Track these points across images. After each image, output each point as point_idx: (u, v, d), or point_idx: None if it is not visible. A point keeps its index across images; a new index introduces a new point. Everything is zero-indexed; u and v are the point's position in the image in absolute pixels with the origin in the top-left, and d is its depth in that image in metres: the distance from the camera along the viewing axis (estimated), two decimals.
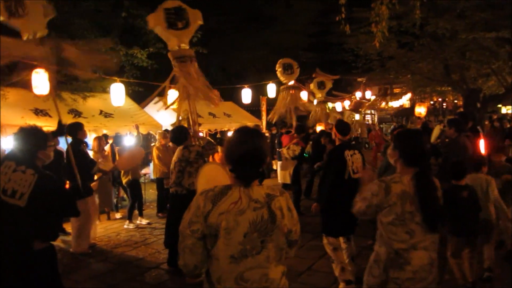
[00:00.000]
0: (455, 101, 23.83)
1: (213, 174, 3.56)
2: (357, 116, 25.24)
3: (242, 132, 1.76)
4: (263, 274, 1.61)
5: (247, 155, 1.65)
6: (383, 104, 21.83)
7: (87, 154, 5.14)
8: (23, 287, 2.54)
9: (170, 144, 6.34)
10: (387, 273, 2.07)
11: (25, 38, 4.21)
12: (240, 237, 1.58)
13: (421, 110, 11.06)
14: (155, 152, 6.50)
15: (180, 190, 4.27)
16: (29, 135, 2.69)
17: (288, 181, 7.08)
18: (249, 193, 1.63)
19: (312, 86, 10.28)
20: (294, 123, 8.25)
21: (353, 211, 2.35)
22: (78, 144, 4.96)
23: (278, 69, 8.39)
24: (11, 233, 2.51)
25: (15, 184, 2.49)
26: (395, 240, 2.06)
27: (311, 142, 7.72)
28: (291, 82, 8.59)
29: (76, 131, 4.96)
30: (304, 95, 12.16)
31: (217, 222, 1.58)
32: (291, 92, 8.45)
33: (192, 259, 1.63)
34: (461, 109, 18.34)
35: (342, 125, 3.99)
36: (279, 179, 7.49)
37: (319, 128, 9.25)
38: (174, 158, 4.36)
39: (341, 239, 3.83)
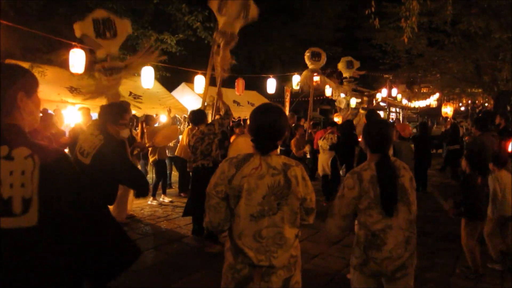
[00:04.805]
0: (486, 104, 23.24)
1: (243, 145, 4.35)
2: (381, 113, 24.92)
3: (262, 107, 1.97)
4: (278, 232, 1.79)
5: (264, 127, 1.85)
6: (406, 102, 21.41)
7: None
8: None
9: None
10: (367, 253, 2.18)
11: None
12: (259, 198, 1.78)
13: (447, 110, 10.88)
14: (187, 134, 6.75)
15: (206, 163, 4.50)
16: (105, 109, 3.16)
17: (328, 172, 7.02)
18: (268, 160, 1.83)
19: (340, 65, 9.82)
20: (311, 105, 8.69)
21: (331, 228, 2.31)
22: None
23: (307, 54, 8.49)
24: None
25: (87, 145, 2.84)
26: (371, 222, 2.17)
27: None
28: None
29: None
30: (328, 90, 12.20)
31: (240, 184, 1.78)
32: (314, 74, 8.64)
33: (216, 217, 1.84)
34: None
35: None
36: (320, 172, 7.48)
37: (336, 119, 9.35)
38: (197, 134, 4.57)
39: None
